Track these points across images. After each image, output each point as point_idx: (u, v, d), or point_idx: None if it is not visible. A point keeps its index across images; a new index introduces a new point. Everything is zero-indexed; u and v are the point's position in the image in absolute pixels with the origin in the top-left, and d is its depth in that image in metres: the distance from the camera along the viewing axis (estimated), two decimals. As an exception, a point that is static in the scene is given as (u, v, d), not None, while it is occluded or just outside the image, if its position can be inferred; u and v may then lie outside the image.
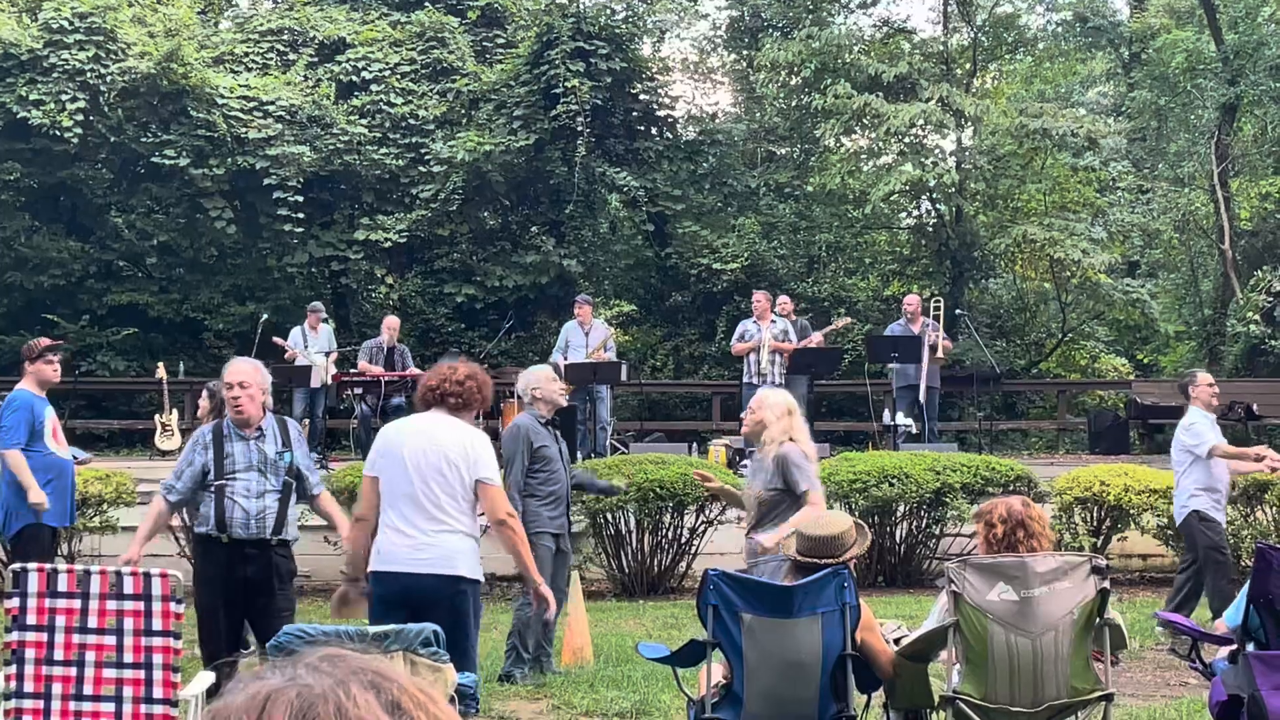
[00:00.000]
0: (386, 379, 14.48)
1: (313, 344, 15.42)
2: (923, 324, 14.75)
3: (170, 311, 19.92)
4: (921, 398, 14.25)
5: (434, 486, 5.72)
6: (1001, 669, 4.91)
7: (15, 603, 4.98)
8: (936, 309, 15.18)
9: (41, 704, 4.97)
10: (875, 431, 15.62)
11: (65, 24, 18.29)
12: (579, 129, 19.56)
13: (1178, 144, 23.04)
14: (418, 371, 13.53)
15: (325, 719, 1.17)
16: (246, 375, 6.43)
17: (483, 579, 5.89)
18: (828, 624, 4.99)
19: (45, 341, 8.42)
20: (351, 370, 15.14)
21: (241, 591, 6.41)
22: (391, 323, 15.44)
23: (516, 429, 8.02)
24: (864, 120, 19.89)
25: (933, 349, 14.33)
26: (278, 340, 15.48)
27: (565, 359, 14.47)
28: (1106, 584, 5.00)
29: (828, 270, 22.34)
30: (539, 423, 8.03)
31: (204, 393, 8.88)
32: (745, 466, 11.84)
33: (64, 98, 17.94)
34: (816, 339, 14.66)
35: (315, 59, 20.54)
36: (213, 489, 6.38)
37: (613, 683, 7.78)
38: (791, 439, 6.66)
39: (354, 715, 1.18)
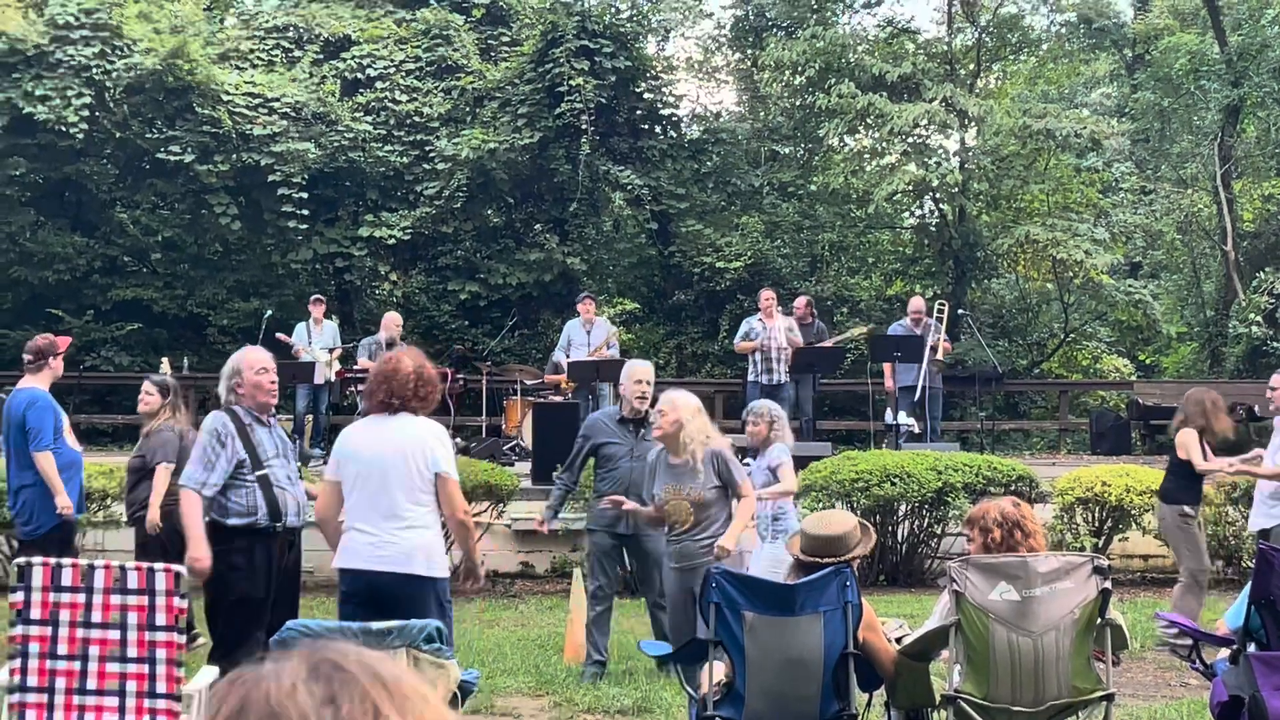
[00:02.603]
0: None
1: (317, 340, 15.41)
2: (924, 324, 14.76)
3: (174, 307, 19.94)
4: (916, 397, 14.27)
5: (391, 484, 5.67)
6: (1003, 668, 4.92)
7: (20, 597, 4.98)
8: (940, 311, 15.18)
9: (45, 698, 4.97)
10: (877, 431, 15.62)
11: (71, 20, 18.30)
12: (583, 127, 19.56)
13: (1181, 145, 23.04)
14: None
15: (256, 704, 1.18)
16: (270, 362, 6.38)
17: (446, 574, 5.79)
18: (830, 622, 4.99)
19: (66, 340, 8.50)
20: (355, 367, 15.11)
21: (277, 580, 6.25)
22: (392, 319, 15.13)
23: (590, 420, 8.24)
24: (868, 120, 19.90)
25: (932, 349, 14.35)
26: (282, 336, 15.46)
27: (568, 357, 14.43)
28: (1108, 584, 5.01)
29: (830, 269, 22.34)
30: (613, 420, 7.97)
31: (149, 386, 8.46)
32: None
33: (70, 93, 17.96)
34: (827, 345, 14.72)
35: (320, 56, 20.56)
36: (253, 479, 6.13)
37: (615, 680, 7.79)
38: (708, 436, 6.86)
39: (276, 701, 1.17)
